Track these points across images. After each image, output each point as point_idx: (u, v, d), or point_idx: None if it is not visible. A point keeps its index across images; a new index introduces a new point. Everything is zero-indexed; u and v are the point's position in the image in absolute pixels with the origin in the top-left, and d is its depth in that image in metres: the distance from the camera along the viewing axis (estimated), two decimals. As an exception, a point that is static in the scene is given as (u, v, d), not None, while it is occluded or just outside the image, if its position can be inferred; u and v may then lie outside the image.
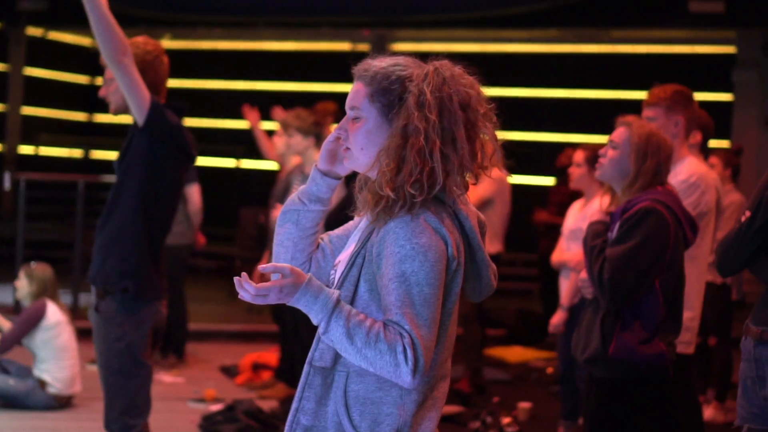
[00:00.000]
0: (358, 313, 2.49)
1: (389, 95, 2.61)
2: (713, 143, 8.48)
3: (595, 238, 4.12)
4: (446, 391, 2.64)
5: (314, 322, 2.50)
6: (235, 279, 2.51)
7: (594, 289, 4.09)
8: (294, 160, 7.37)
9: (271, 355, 8.35)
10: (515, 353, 10.13)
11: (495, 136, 2.63)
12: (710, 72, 14.28)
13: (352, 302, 2.56)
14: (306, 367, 2.63)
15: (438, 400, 2.59)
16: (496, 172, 7.80)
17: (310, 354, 2.63)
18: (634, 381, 4.03)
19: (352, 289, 2.58)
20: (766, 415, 3.33)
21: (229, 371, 8.56)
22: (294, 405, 2.63)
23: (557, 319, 6.43)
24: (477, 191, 8.04)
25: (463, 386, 8.08)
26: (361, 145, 2.63)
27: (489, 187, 8.11)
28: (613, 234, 4.10)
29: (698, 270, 4.92)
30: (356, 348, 2.45)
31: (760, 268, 3.38)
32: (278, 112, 8.37)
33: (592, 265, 4.05)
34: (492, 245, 8.30)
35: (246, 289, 2.48)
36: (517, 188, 8.87)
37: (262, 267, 2.54)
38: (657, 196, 4.08)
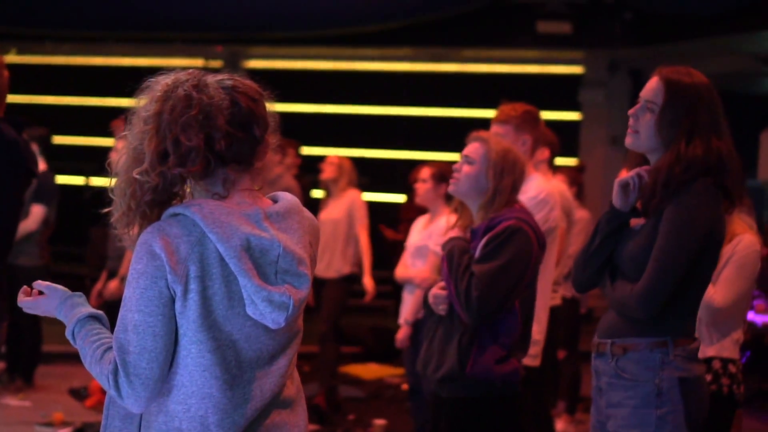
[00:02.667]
0: (98, 333, 2.59)
1: None
2: (561, 161, 8.66)
3: (462, 255, 4.09)
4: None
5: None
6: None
7: (457, 306, 4.05)
8: None
9: (122, 376, 8.19)
10: (370, 370, 10.16)
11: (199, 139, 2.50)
12: (558, 91, 14.60)
13: None
14: None
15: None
16: (354, 193, 7.70)
17: None
18: (489, 399, 4.04)
19: None
20: (606, 425, 3.42)
21: (78, 394, 8.36)
22: (102, 422, 2.66)
23: (402, 334, 6.48)
24: (364, 214, 8.26)
25: (320, 401, 8.08)
26: None
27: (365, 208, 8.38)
28: (477, 251, 4.08)
29: (544, 284, 4.99)
30: (88, 367, 2.57)
31: (604, 284, 3.47)
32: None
33: (458, 282, 4.02)
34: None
35: (19, 299, 2.70)
36: (372, 206, 8.92)
37: (35, 283, 2.70)
38: (520, 215, 4.10)
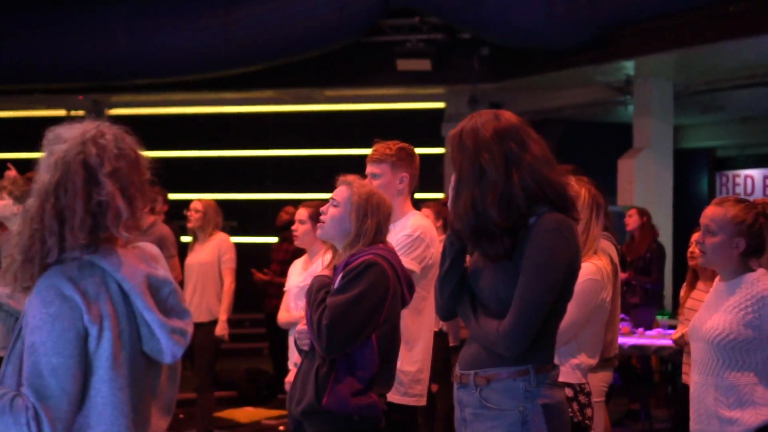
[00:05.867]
0: None
1: (47, 157, 2.62)
2: (428, 195, 8.80)
3: (319, 290, 4.15)
4: None
5: None
6: None
7: (312, 338, 4.10)
8: None
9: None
10: (246, 414, 10.12)
11: (136, 196, 2.62)
12: (422, 127, 14.81)
13: (20, 376, 2.53)
14: None
15: None
16: (221, 236, 7.53)
17: None
18: None
19: (18, 363, 2.56)
20: None
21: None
22: None
23: (292, 377, 6.40)
24: (232, 257, 8.25)
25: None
26: None
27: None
28: (335, 285, 4.14)
29: (426, 323, 5.03)
30: None
31: (463, 310, 3.51)
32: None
33: (312, 314, 4.08)
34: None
35: None
36: (241, 248, 8.92)
37: None
38: (379, 251, 4.17)
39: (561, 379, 4.27)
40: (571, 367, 4.38)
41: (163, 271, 2.65)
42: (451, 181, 3.45)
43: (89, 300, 2.49)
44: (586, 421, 4.40)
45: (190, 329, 2.65)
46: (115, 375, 2.51)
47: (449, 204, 3.44)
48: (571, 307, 4.22)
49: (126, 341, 2.54)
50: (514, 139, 3.36)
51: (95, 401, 2.51)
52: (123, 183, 2.58)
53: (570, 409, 4.32)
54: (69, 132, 2.62)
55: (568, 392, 4.34)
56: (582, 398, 4.40)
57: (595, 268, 4.43)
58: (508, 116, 3.42)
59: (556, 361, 4.27)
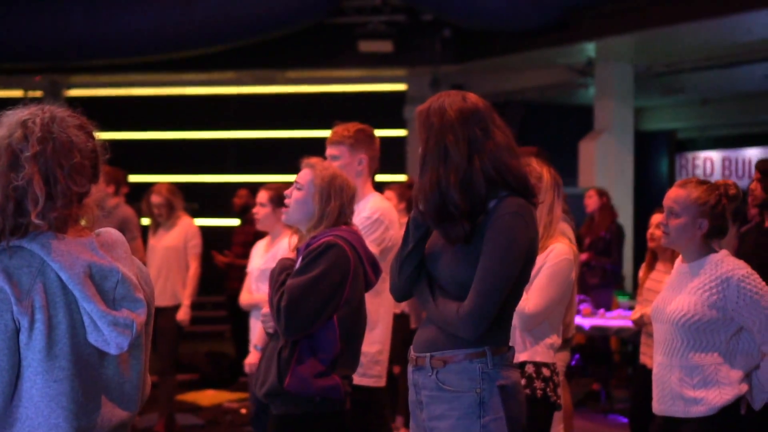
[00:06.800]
0: None
1: None
2: (391, 177, 8.77)
3: (281, 273, 4.16)
4: None
5: None
6: None
7: (273, 321, 4.10)
8: None
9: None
10: (208, 396, 10.10)
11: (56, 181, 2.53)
12: (384, 109, 14.79)
13: None
14: None
15: None
16: (186, 220, 7.47)
17: None
18: (311, 415, 4.09)
19: None
20: None
21: None
22: None
23: (252, 359, 6.40)
24: (198, 242, 8.22)
25: (160, 430, 8.02)
26: None
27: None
28: (296, 267, 4.14)
29: (386, 304, 5.04)
30: None
31: (420, 292, 3.50)
32: None
33: (273, 297, 4.09)
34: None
35: None
36: (203, 230, 8.86)
37: None
38: (340, 233, 4.17)
39: (539, 359, 4.36)
40: (546, 347, 4.42)
41: (109, 259, 2.57)
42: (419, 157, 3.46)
43: (21, 291, 2.45)
44: (559, 401, 4.44)
45: (139, 319, 2.57)
46: (49, 367, 2.47)
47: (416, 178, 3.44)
48: (551, 287, 4.29)
49: (63, 332, 2.49)
50: (479, 124, 3.38)
51: (31, 393, 2.48)
52: (47, 167, 2.51)
53: (548, 388, 4.37)
54: (9, 117, 2.58)
55: (546, 372, 4.38)
56: (555, 378, 4.44)
57: (568, 248, 4.47)
58: (474, 100, 3.44)
59: (532, 341, 4.32)
